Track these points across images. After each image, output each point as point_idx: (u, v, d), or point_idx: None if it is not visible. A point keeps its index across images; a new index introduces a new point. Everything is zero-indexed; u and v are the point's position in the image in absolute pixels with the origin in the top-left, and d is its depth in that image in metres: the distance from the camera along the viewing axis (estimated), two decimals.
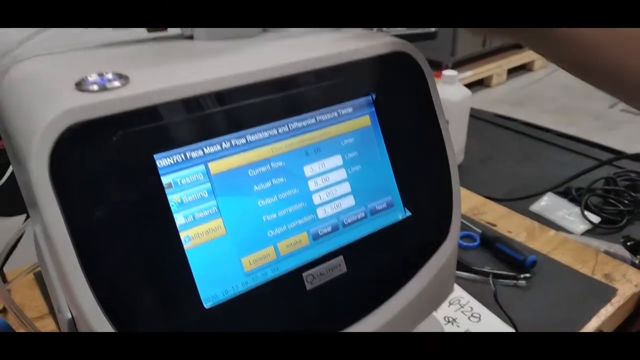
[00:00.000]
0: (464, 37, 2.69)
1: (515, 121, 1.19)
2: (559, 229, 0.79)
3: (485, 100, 2.77)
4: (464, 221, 0.75)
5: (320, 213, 0.35)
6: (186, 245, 0.30)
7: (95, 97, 0.28)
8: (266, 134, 0.33)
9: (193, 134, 0.31)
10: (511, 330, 0.59)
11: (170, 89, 0.30)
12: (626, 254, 0.71)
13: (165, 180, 0.30)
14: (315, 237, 0.35)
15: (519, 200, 0.85)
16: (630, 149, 0.96)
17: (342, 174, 0.36)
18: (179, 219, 0.30)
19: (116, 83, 0.29)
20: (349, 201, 0.37)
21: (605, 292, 0.64)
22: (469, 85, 2.45)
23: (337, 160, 0.36)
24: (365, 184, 0.37)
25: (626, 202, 0.82)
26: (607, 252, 0.72)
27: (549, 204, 0.85)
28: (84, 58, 0.37)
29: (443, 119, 0.41)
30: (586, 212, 0.81)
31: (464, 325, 0.60)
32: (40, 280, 0.68)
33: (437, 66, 2.64)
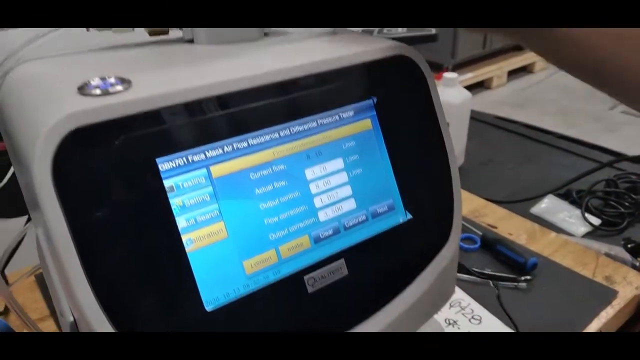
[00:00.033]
0: (464, 39, 2.69)
1: (515, 123, 1.19)
2: (560, 231, 0.79)
3: (486, 102, 2.77)
4: (465, 223, 0.75)
5: (322, 216, 0.36)
6: (188, 249, 0.30)
7: (97, 101, 0.28)
8: (268, 138, 0.33)
9: (195, 138, 0.31)
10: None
11: (172, 93, 0.30)
12: (627, 256, 0.71)
13: (167, 183, 0.30)
14: (317, 240, 0.35)
15: (519, 203, 0.85)
16: (631, 151, 0.96)
17: (343, 177, 0.37)
18: (181, 222, 0.30)
19: (119, 87, 0.29)
20: (350, 204, 0.37)
21: (606, 295, 0.64)
22: (469, 87, 2.46)
23: (338, 163, 0.36)
24: (366, 187, 0.37)
25: (627, 204, 0.83)
26: (607, 255, 0.72)
27: (549, 206, 0.85)
28: (86, 61, 0.37)
29: (444, 122, 0.41)
30: (587, 215, 0.81)
31: (465, 327, 0.60)
32: (42, 282, 0.68)
33: (438, 68, 2.64)
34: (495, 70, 2.97)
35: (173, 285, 0.30)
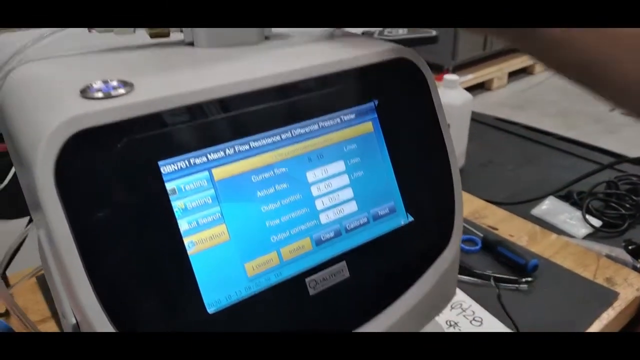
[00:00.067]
0: (464, 40, 2.69)
1: (516, 125, 1.19)
2: (561, 232, 0.79)
3: (486, 104, 2.77)
4: (466, 225, 0.75)
5: (323, 218, 0.36)
6: (190, 251, 0.31)
7: (100, 105, 0.28)
8: (269, 140, 0.33)
9: (197, 141, 0.31)
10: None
11: (174, 96, 0.30)
12: (628, 257, 0.71)
13: (169, 186, 0.30)
14: (318, 242, 0.35)
15: (520, 204, 0.85)
16: (632, 153, 0.96)
17: (344, 179, 0.37)
18: (183, 225, 0.30)
19: (121, 90, 0.29)
20: (352, 207, 0.37)
21: (607, 296, 0.64)
22: (470, 89, 2.45)
23: (339, 166, 0.36)
24: (367, 190, 0.38)
25: (627, 205, 0.83)
26: (608, 256, 0.72)
27: (550, 207, 0.85)
28: (88, 63, 0.37)
29: (445, 124, 0.41)
30: (587, 216, 0.81)
31: (466, 329, 0.60)
32: (43, 283, 0.68)
33: (438, 69, 2.64)
34: (496, 71, 2.98)
35: (175, 287, 0.30)
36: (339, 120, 0.36)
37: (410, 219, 0.39)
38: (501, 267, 0.70)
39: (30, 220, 0.58)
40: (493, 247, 0.72)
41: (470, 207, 0.84)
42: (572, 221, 0.81)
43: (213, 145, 0.31)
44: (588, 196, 0.84)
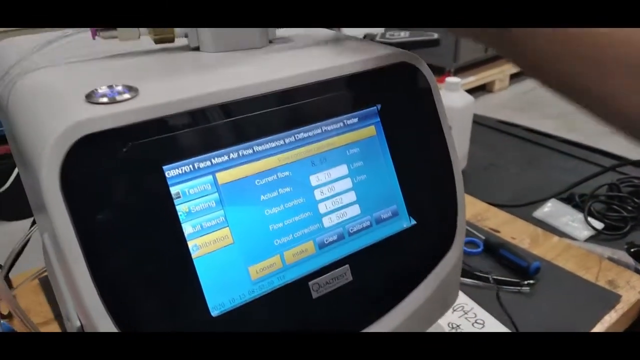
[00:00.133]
0: (466, 42, 2.69)
1: (518, 127, 1.19)
2: (563, 235, 0.79)
3: (488, 106, 2.77)
4: (468, 227, 0.75)
5: (326, 222, 0.36)
6: (194, 254, 0.31)
7: (105, 109, 0.28)
8: (273, 145, 0.34)
9: (201, 145, 0.31)
10: None
11: (179, 101, 0.30)
12: (630, 260, 0.71)
13: (173, 190, 0.30)
14: (321, 245, 0.36)
15: (522, 207, 0.85)
16: (633, 155, 0.96)
17: (347, 183, 0.37)
18: (187, 229, 0.31)
19: (126, 95, 0.30)
20: (355, 210, 0.37)
21: (609, 299, 0.64)
22: (471, 91, 2.46)
23: (342, 169, 0.37)
24: (370, 193, 0.38)
25: (630, 208, 0.83)
26: (610, 259, 0.72)
27: (552, 210, 0.85)
28: (93, 69, 0.37)
29: (447, 128, 0.42)
30: (590, 219, 0.81)
31: (468, 331, 0.60)
32: (46, 285, 0.68)
33: (440, 72, 2.64)
34: (497, 73, 2.97)
35: (179, 290, 0.30)
36: (342, 124, 0.37)
37: (413, 222, 0.39)
38: (503, 269, 0.70)
39: (34, 222, 0.58)
40: (495, 250, 0.72)
41: (472, 209, 0.84)
42: (574, 224, 0.81)
43: (217, 149, 0.32)
44: (590, 198, 0.84)
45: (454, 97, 0.90)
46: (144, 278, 0.29)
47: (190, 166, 0.31)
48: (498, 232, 0.78)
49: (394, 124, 0.39)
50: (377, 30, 0.67)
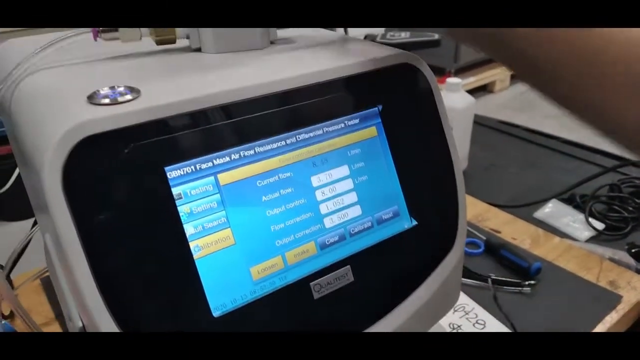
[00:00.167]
0: None
1: (518, 127, 1.19)
2: (564, 235, 0.79)
3: (489, 106, 2.77)
4: (468, 228, 0.75)
5: (328, 223, 0.36)
6: (196, 255, 0.31)
7: (107, 111, 0.28)
8: (274, 146, 0.34)
9: (203, 146, 0.31)
10: None
11: (180, 102, 0.30)
12: (631, 260, 0.71)
13: (175, 191, 0.30)
14: (323, 246, 0.36)
15: (523, 207, 0.85)
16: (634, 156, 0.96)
17: (348, 184, 0.37)
18: (189, 229, 0.31)
19: (128, 96, 0.30)
20: (356, 211, 0.37)
21: (610, 299, 0.64)
22: (472, 91, 2.46)
23: (344, 170, 0.37)
24: (371, 194, 0.38)
25: (630, 208, 0.83)
26: (611, 259, 0.72)
27: (553, 210, 0.85)
28: (95, 70, 0.37)
29: (448, 128, 0.42)
30: (590, 219, 0.81)
31: (469, 332, 0.60)
32: (47, 285, 0.68)
33: (441, 72, 2.64)
34: (498, 74, 2.97)
35: (181, 291, 0.30)
36: (343, 125, 0.37)
37: (414, 222, 0.40)
38: (504, 270, 0.70)
39: (35, 223, 0.58)
40: (496, 250, 0.72)
41: (473, 210, 0.84)
42: (575, 224, 0.81)
43: (219, 150, 0.32)
44: (591, 199, 0.84)
45: (454, 98, 0.90)
46: (146, 279, 0.29)
47: (192, 167, 0.31)
48: (499, 232, 0.78)
49: (395, 124, 0.39)
50: (378, 31, 0.67)
